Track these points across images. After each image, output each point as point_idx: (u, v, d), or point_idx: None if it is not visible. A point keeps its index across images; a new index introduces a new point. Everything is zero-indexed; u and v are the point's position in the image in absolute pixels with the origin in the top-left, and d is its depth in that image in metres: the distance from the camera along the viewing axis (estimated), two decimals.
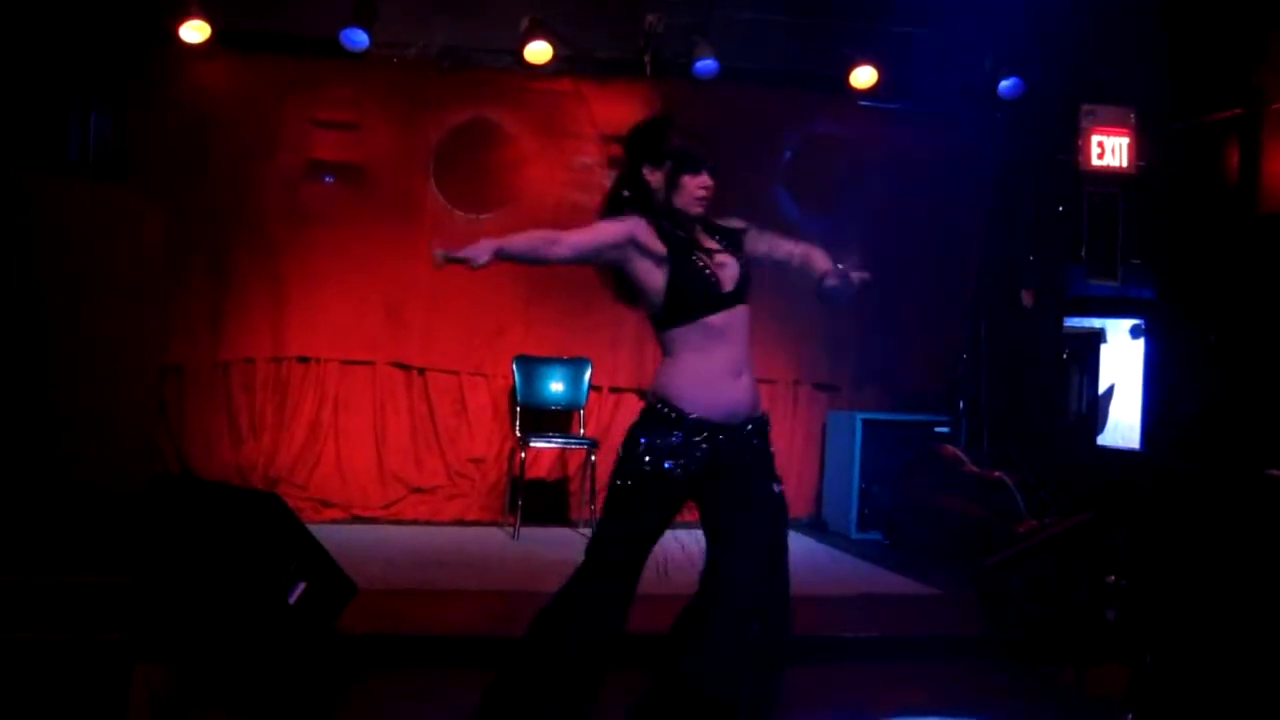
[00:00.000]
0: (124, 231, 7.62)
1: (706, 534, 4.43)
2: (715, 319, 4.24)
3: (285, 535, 5.80)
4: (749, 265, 4.38)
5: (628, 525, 4.33)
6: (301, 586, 5.66)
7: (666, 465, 4.21)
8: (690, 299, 4.22)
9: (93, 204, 7.52)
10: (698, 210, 4.30)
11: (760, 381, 4.51)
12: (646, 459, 4.21)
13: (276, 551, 5.70)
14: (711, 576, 4.36)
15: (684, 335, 4.24)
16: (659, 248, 4.22)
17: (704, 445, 4.23)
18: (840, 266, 4.35)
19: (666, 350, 4.31)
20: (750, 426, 4.34)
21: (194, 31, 8.73)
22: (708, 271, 4.24)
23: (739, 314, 4.30)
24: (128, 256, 7.60)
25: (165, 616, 5.56)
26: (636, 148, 4.42)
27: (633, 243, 4.21)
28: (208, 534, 5.82)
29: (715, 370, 4.24)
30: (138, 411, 7.85)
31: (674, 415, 4.21)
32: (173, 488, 6.63)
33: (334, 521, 9.02)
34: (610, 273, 4.35)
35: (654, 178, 4.31)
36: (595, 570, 4.35)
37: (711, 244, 4.34)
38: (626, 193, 4.38)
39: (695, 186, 4.28)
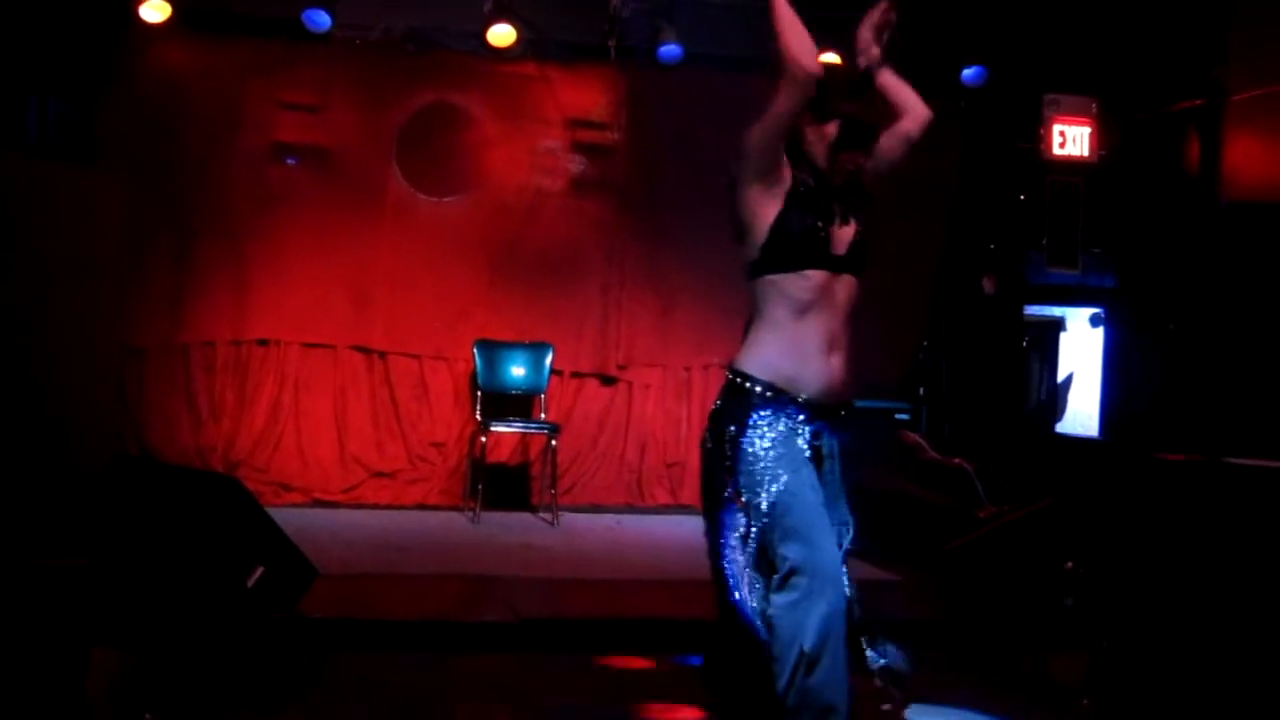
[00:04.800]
0: (85, 212, 7.56)
1: None
2: (817, 275, 3.86)
3: (244, 519, 5.79)
4: (867, 235, 4.00)
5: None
6: (260, 570, 5.64)
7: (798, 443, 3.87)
8: (794, 246, 3.86)
9: (53, 184, 7.46)
10: (838, 183, 3.97)
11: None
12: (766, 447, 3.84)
13: (235, 535, 5.69)
14: None
15: (780, 287, 3.85)
16: (786, 177, 3.90)
17: (807, 425, 3.90)
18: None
19: (757, 309, 3.93)
20: (844, 411, 4.05)
21: (154, 11, 8.67)
22: (819, 225, 3.87)
23: (845, 283, 3.94)
24: (88, 237, 7.55)
25: (123, 600, 5.54)
26: None
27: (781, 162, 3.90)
28: (166, 517, 5.79)
29: (810, 340, 3.88)
30: (98, 393, 7.80)
31: (771, 395, 3.87)
32: (132, 470, 6.61)
33: (294, 505, 8.97)
34: (731, 194, 3.96)
35: (811, 131, 3.97)
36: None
37: (835, 205, 3.95)
38: None
39: (849, 160, 3.98)
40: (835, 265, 3.90)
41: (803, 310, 3.86)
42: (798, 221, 3.86)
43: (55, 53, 8.72)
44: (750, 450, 3.83)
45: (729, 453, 3.86)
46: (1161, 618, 5.62)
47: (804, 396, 3.87)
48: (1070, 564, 6.48)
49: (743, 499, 3.84)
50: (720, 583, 3.93)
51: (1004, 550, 6.69)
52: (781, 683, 3.71)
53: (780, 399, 3.85)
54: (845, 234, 3.93)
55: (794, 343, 3.87)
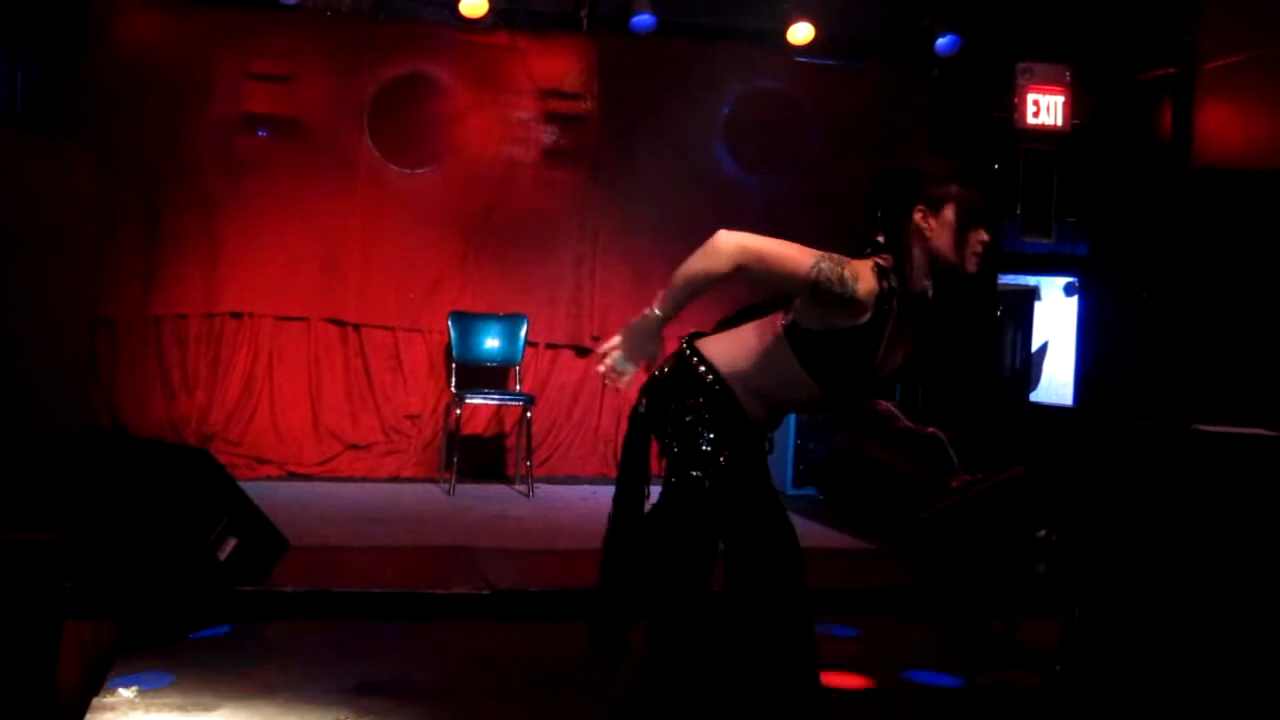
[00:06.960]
0: (54, 182, 7.51)
1: None
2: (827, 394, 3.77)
3: (216, 491, 5.77)
4: (915, 355, 3.85)
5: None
6: (232, 543, 5.64)
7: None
8: (836, 371, 3.71)
9: (22, 154, 7.41)
10: (973, 267, 3.78)
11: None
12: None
13: (207, 508, 5.67)
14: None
15: (787, 370, 3.72)
16: (870, 301, 3.62)
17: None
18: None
19: (755, 341, 3.80)
20: (767, 443, 3.99)
21: None
22: (877, 358, 3.70)
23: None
24: (58, 208, 7.51)
25: (95, 573, 5.52)
26: (911, 189, 3.81)
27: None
28: (138, 490, 5.78)
29: (769, 404, 3.84)
30: (69, 366, 7.77)
31: (719, 386, 3.79)
32: (104, 443, 6.58)
33: (269, 478, 8.96)
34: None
35: (927, 223, 3.72)
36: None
37: (908, 322, 3.76)
38: (882, 238, 3.78)
39: (978, 241, 3.76)
40: (866, 392, 3.85)
41: (786, 388, 3.76)
42: (858, 355, 3.68)
43: (23, 23, 8.65)
44: (692, 424, 3.76)
45: (667, 425, 3.80)
46: (1134, 584, 5.65)
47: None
48: (1043, 531, 6.51)
49: (674, 471, 3.79)
50: (617, 550, 3.94)
51: (977, 518, 6.71)
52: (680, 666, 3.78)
53: (727, 391, 3.77)
54: (893, 362, 3.77)
55: (757, 395, 3.79)
